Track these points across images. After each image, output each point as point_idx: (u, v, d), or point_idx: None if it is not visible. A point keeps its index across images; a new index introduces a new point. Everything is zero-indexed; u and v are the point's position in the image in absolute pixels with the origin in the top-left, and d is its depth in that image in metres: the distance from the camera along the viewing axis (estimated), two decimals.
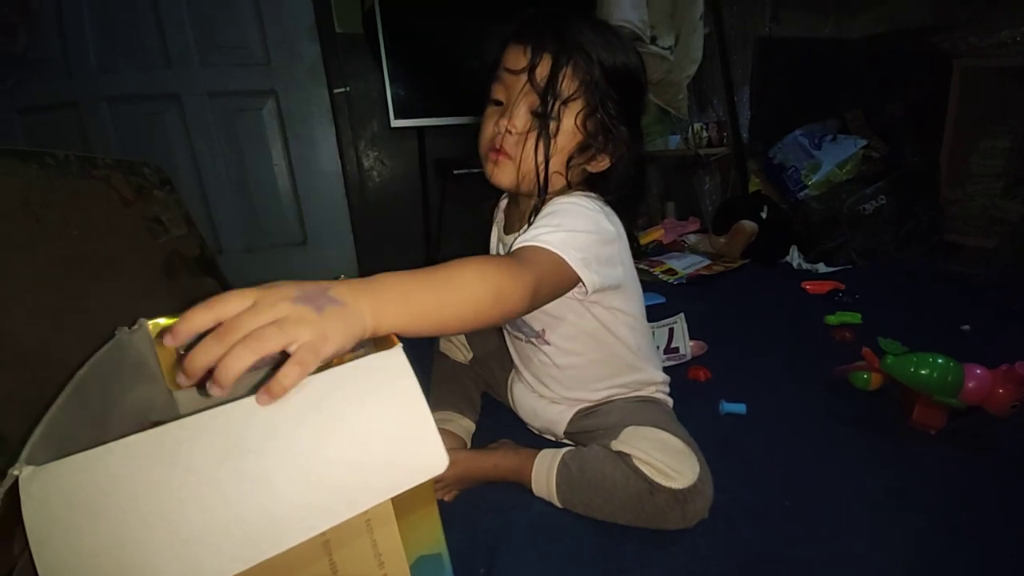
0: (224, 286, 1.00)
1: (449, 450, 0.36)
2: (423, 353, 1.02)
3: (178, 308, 0.57)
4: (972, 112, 1.85)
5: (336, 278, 0.64)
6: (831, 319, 1.36)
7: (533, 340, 0.82)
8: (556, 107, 0.67)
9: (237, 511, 0.31)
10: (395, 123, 1.88)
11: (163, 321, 0.56)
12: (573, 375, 0.82)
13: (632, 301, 0.79)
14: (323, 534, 0.34)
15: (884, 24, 2.09)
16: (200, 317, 0.35)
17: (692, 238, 2.18)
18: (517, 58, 0.68)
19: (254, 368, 0.33)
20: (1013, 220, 1.76)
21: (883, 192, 1.90)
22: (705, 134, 2.27)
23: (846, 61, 2.15)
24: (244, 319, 0.34)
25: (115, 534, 0.29)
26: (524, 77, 0.67)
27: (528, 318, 0.79)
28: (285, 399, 0.34)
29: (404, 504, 0.38)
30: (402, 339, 0.39)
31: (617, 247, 0.71)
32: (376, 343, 0.42)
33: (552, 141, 0.69)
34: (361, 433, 0.34)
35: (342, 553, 0.37)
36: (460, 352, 1.01)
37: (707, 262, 1.91)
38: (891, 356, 0.92)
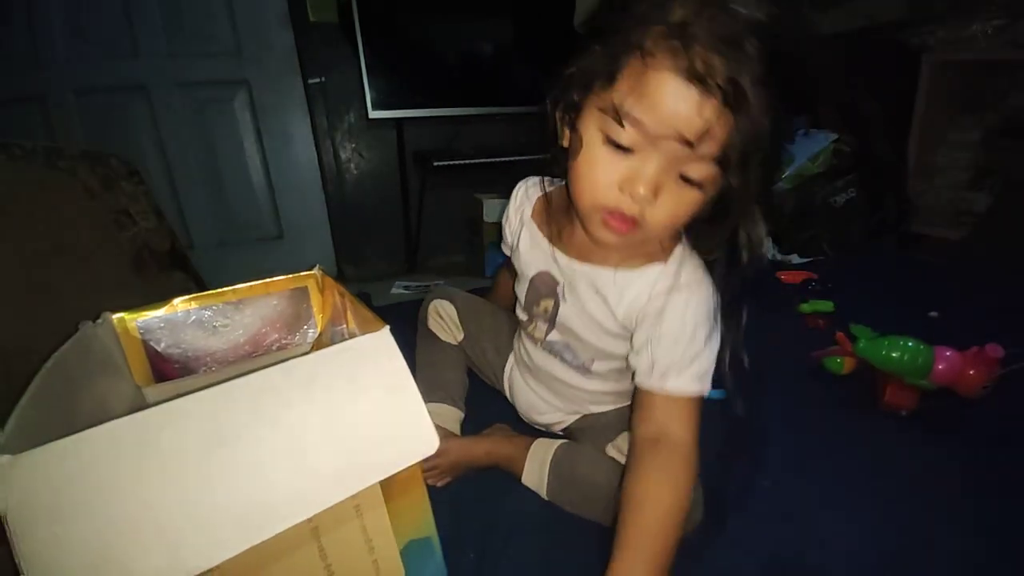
0: (195, 281, 0.98)
1: (441, 438, 0.35)
2: (410, 328, 0.98)
3: (148, 302, 0.56)
4: (940, 105, 1.90)
5: (311, 268, 0.63)
6: (805, 307, 1.39)
7: (574, 368, 0.76)
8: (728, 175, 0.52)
9: (223, 497, 0.30)
10: (373, 114, 1.85)
11: (126, 316, 0.54)
12: (588, 397, 0.79)
13: None
14: (311, 519, 0.33)
15: (854, 20, 2.13)
16: None
17: None
18: (680, 106, 0.48)
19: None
20: (980, 211, 1.82)
21: (853, 185, 1.95)
22: None
23: (817, 56, 2.19)
24: None
25: (98, 522, 0.28)
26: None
27: (578, 349, 0.74)
28: (270, 381, 0.33)
29: (393, 488, 0.38)
30: (387, 320, 0.38)
31: None
32: (361, 325, 0.42)
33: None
34: (350, 416, 0.33)
35: (331, 538, 0.36)
36: (450, 332, 0.93)
37: None
38: (863, 340, 0.94)
